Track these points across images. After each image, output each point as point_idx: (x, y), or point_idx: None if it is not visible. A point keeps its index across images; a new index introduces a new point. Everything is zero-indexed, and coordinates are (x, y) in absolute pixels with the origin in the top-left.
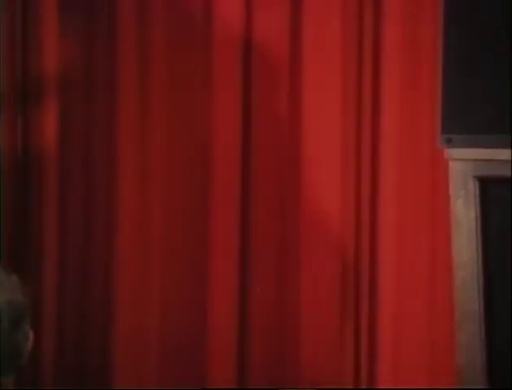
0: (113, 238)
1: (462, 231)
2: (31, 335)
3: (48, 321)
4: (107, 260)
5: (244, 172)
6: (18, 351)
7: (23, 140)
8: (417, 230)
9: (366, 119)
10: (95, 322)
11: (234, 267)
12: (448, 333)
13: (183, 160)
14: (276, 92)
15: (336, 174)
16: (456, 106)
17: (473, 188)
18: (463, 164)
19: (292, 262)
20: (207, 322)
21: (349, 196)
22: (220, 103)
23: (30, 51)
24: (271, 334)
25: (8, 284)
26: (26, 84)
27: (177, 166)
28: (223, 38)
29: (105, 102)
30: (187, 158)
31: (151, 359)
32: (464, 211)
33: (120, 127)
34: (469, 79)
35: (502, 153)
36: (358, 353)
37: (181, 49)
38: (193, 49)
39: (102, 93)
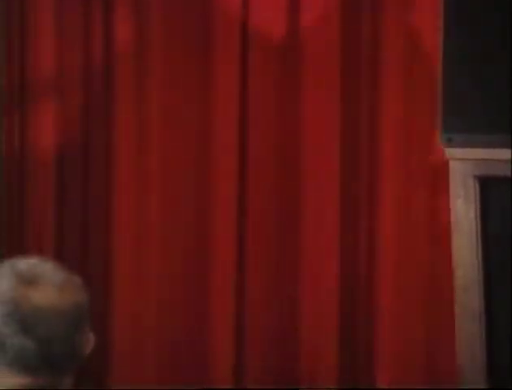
0: (111, 239)
1: (462, 230)
2: (91, 338)
3: None
4: (105, 262)
5: (242, 172)
6: (79, 353)
7: (21, 141)
8: (416, 229)
9: (364, 118)
10: (93, 323)
11: (232, 267)
12: (448, 333)
13: (181, 160)
14: (275, 90)
15: (335, 173)
16: (456, 106)
17: (473, 187)
18: (463, 164)
19: (291, 262)
20: (206, 322)
21: (347, 194)
22: (218, 103)
23: (28, 52)
24: (269, 334)
25: (72, 286)
26: (24, 86)
27: (176, 166)
28: (222, 36)
29: (103, 103)
30: (185, 158)
31: (150, 359)
32: (464, 211)
33: (119, 128)
34: (469, 79)
35: (502, 153)
36: (357, 353)
37: (179, 49)
38: (190, 48)
39: (101, 94)
